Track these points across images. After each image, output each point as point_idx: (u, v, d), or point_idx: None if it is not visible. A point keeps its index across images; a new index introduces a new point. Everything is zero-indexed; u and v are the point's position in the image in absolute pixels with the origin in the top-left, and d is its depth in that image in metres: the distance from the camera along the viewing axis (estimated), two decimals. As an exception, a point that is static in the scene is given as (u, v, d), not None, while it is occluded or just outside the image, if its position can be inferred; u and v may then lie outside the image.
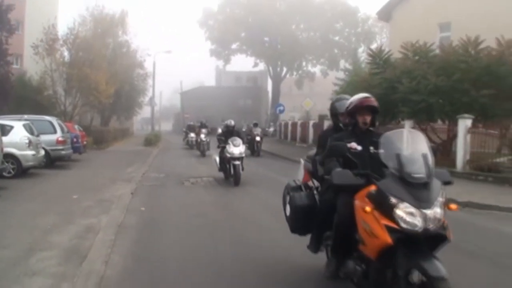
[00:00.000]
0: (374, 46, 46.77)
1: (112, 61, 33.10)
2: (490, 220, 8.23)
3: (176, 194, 10.96)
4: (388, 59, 18.00)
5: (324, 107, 30.10)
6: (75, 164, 16.56)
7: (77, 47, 28.66)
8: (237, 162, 11.91)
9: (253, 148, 22.72)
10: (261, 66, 58.14)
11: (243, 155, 12.29)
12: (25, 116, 14.79)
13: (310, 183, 4.99)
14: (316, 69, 57.85)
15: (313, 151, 5.04)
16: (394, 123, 17.59)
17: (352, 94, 16.49)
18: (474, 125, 14.25)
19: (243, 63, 60.66)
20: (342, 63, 50.22)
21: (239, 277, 4.97)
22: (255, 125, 25.11)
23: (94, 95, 28.50)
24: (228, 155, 12.08)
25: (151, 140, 31.02)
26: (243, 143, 12.64)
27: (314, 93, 54.09)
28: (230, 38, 53.73)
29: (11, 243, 5.92)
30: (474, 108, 14.22)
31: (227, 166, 12.38)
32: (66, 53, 29.12)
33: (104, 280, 4.71)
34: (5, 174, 11.77)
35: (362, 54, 51.45)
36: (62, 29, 29.70)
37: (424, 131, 16.17)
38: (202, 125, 24.76)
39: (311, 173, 4.91)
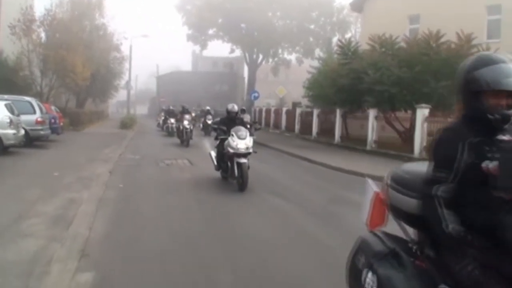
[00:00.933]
0: (348, 35, 48.23)
1: (89, 44, 33.18)
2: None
3: (152, 172, 11.68)
4: (356, 50, 18.94)
5: (298, 95, 31.11)
6: (53, 144, 17.03)
7: (54, 29, 28.80)
8: (244, 160, 9.20)
9: None
10: (238, 52, 58.59)
11: (251, 150, 9.53)
12: (5, 96, 15.17)
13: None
14: (292, 57, 58.63)
15: (414, 166, 2.73)
16: (360, 111, 18.58)
17: (322, 83, 17.52)
18: (433, 114, 15.31)
19: (220, 49, 61.04)
20: (317, 52, 51.08)
21: (200, 233, 5.79)
22: (243, 111, 20.81)
23: (70, 77, 28.74)
24: (231, 151, 9.34)
25: (127, 123, 31.51)
26: (251, 134, 9.89)
27: (289, 80, 54.94)
28: (207, 23, 53.93)
29: (2, 212, 6.57)
30: (434, 98, 15.26)
31: (228, 164, 9.68)
32: (43, 34, 29.28)
33: (89, 241, 5.46)
34: (-15, 152, 12.28)
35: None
36: (39, 10, 29.77)
37: (387, 119, 17.28)
38: (184, 110, 21.31)
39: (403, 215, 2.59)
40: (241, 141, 9.34)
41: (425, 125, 14.71)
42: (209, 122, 22.02)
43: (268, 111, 34.84)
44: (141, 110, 74.76)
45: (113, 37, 38.96)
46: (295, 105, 28.83)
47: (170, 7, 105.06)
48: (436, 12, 24.57)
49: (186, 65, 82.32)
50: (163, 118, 30.17)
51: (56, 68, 28.32)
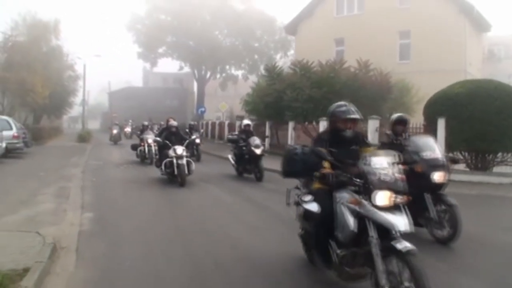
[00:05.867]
0: (291, 52, 52.35)
1: (46, 65, 35.82)
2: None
3: (114, 172, 15.28)
4: (281, 73, 23.00)
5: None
6: (26, 155, 20.03)
7: (14, 52, 31.49)
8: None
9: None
10: (187, 68, 61.62)
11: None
12: (-15, 117, 18.24)
13: None
14: (239, 73, 62.25)
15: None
16: (283, 123, 22.59)
17: (259, 99, 21.48)
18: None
19: (170, 65, 63.82)
20: (262, 68, 54.88)
21: (147, 195, 9.53)
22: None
23: (30, 96, 31.49)
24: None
25: (84, 137, 34.47)
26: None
27: (237, 94, 57.95)
28: (156, 42, 56.43)
29: (16, 194, 9.97)
30: (336, 113, 19.41)
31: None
32: (2, 59, 31.89)
33: (84, 203, 9.13)
34: (-23, 161, 15.40)
35: (280, 60, 57.01)
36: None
37: (305, 129, 21.34)
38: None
39: None
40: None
41: (327, 133, 18.89)
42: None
43: (213, 124, 38.59)
44: (93, 124, 76.49)
45: (68, 57, 41.68)
46: (238, 118, 32.63)
47: (120, 26, 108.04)
48: (357, 36, 29.42)
49: (137, 80, 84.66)
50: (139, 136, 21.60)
51: (17, 89, 31.01)
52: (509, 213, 9.69)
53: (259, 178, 13.29)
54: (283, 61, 53.33)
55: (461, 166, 13.79)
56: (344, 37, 32.01)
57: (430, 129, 14.10)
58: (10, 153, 18.91)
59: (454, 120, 13.10)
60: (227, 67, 61.37)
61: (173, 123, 13.73)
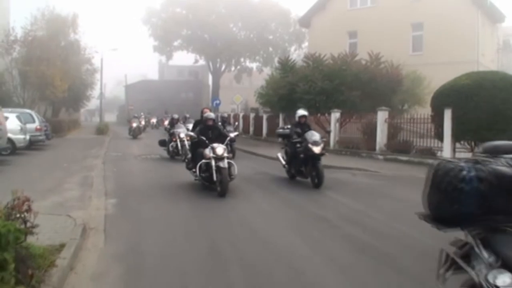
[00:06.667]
0: (305, 44, 52.63)
1: (65, 59, 36.77)
2: (345, 173, 13.62)
3: (133, 163, 15.95)
4: (294, 66, 23.47)
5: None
6: (48, 147, 20.89)
7: (34, 47, 32.41)
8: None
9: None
10: (202, 61, 62.29)
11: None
12: (9, 109, 19.02)
13: None
14: (253, 65, 62.74)
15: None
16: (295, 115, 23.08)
17: (273, 92, 22.05)
18: (348, 116, 20.00)
19: (185, 58, 64.50)
20: (276, 61, 55.15)
21: (165, 179, 10.15)
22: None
23: (50, 90, 32.44)
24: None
25: (102, 130, 35.37)
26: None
27: (252, 86, 58.53)
28: (172, 35, 57.23)
29: (43, 183, 10.64)
30: (347, 105, 19.87)
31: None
32: (23, 52, 32.84)
33: (107, 191, 9.78)
34: (3, 152, 16.14)
35: (294, 53, 57.33)
36: (14, 26, 33.22)
37: (318, 120, 21.79)
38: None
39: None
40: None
41: (337, 124, 19.39)
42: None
43: (228, 116, 39.09)
44: (110, 117, 77.63)
45: (85, 51, 42.57)
46: (253, 110, 33.21)
47: (136, 19, 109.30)
48: (370, 28, 29.76)
49: (153, 73, 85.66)
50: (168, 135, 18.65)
51: (37, 83, 31.97)
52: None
53: (317, 184, 10.64)
54: (297, 53, 53.73)
55: (468, 155, 14.21)
56: (357, 30, 32.35)
57: (437, 119, 14.53)
58: (33, 145, 19.72)
59: (460, 111, 13.52)
60: (242, 59, 61.83)
61: (210, 114, 10.91)
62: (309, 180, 10.97)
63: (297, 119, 12.03)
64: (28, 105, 32.09)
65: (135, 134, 30.51)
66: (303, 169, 11.16)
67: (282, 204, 9.14)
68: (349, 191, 10.55)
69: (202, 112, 11.30)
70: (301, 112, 12.07)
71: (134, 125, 30.86)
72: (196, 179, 10.28)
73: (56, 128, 30.98)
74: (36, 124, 19.58)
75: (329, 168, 12.89)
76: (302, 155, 10.97)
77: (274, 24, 59.29)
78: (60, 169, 13.18)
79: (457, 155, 14.22)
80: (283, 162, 12.15)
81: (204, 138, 10.08)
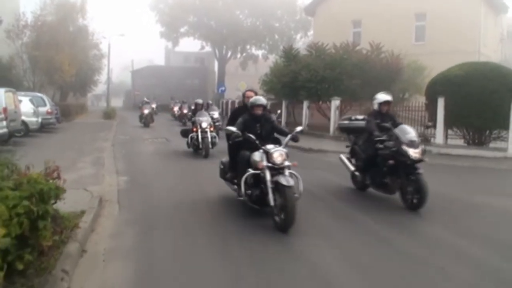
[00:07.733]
0: (311, 32, 52.90)
1: (73, 44, 37.42)
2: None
3: (141, 146, 16.72)
4: (297, 55, 24.04)
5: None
6: (58, 130, 21.67)
7: (44, 32, 33.09)
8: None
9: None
10: (208, 48, 62.69)
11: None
12: (22, 93, 19.75)
13: None
14: (259, 52, 63.13)
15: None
16: (299, 102, 23.75)
17: (276, 79, 22.82)
18: (348, 103, 20.63)
19: (191, 45, 64.94)
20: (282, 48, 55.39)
21: (169, 159, 10.91)
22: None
23: (58, 74, 33.20)
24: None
25: (110, 114, 36.13)
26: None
27: (258, 73, 58.68)
28: (178, 22, 57.61)
29: (58, 162, 11.15)
30: (348, 93, 20.50)
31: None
32: (33, 37, 33.52)
33: (118, 169, 10.55)
34: (17, 134, 16.89)
35: (300, 40, 57.70)
36: (24, 11, 33.90)
37: (319, 107, 22.46)
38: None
39: None
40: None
41: (337, 111, 20.04)
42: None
43: (233, 103, 39.82)
44: (116, 102, 78.29)
45: (93, 36, 43.20)
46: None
47: (144, 6, 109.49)
48: (374, 18, 30.21)
49: (159, 59, 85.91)
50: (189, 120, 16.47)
51: (46, 67, 32.71)
52: (489, 181, 11.04)
53: (416, 205, 7.17)
54: (303, 41, 54.07)
55: (460, 141, 14.95)
56: (361, 19, 32.76)
57: (431, 107, 15.22)
58: (44, 128, 20.50)
59: (452, 99, 14.30)
60: (248, 46, 62.11)
61: (260, 99, 7.13)
62: (396, 196, 7.63)
63: (376, 106, 8.23)
64: (38, 89, 32.87)
65: (147, 122, 26.69)
66: (388, 180, 7.71)
67: (373, 245, 5.53)
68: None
69: (244, 96, 7.83)
70: (384, 97, 8.23)
71: (146, 111, 26.87)
72: (243, 198, 6.62)
73: (64, 112, 31.66)
74: (47, 108, 20.35)
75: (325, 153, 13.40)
76: (391, 161, 7.48)
77: (280, 11, 59.46)
78: (73, 150, 13.93)
79: (449, 141, 14.93)
80: (352, 168, 8.86)
81: (253, 137, 6.56)
